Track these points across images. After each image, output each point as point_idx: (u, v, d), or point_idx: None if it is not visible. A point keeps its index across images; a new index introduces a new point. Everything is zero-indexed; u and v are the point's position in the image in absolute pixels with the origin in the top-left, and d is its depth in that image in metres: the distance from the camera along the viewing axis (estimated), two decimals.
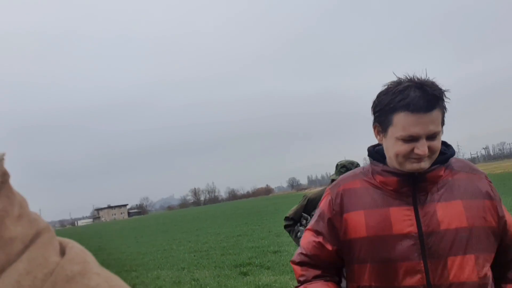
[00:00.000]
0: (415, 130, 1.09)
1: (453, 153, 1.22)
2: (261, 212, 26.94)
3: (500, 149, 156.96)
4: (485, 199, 1.16)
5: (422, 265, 1.11)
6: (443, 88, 1.12)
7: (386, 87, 1.17)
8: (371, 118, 1.25)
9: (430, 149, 1.11)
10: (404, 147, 1.11)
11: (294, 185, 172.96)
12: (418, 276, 1.10)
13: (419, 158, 1.11)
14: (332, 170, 3.23)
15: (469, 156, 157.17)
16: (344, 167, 2.99)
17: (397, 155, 1.13)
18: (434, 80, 1.13)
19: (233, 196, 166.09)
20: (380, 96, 1.17)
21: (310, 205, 3.11)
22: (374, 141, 1.28)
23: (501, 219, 1.17)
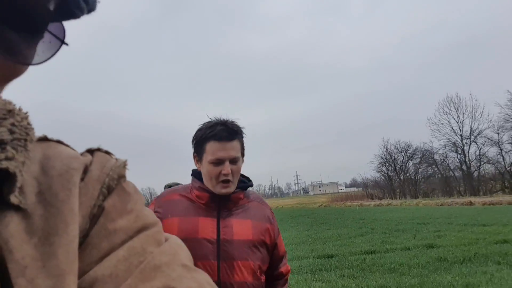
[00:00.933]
0: (221, 154, 1.41)
1: (251, 184, 1.58)
2: None
3: (257, 190, 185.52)
4: (267, 223, 1.51)
5: (216, 264, 1.37)
6: (241, 126, 1.50)
7: (200, 125, 1.50)
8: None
9: (232, 171, 1.43)
10: (214, 170, 1.42)
11: None
12: (212, 274, 1.36)
13: (227, 181, 1.42)
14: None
15: None
16: (170, 187, 3.33)
17: (210, 177, 1.43)
18: (236, 119, 1.51)
19: None
20: (197, 132, 1.49)
21: None
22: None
23: (273, 241, 1.52)
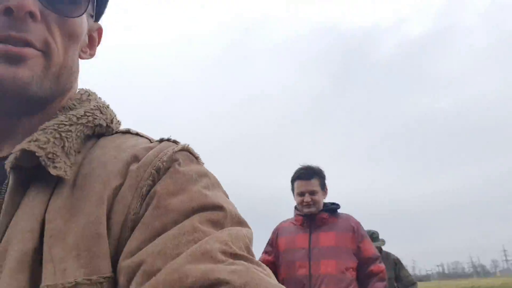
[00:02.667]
0: (300, 189, 2.35)
1: (335, 207, 2.39)
2: None
3: (454, 268, 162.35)
4: (349, 232, 2.26)
5: (308, 263, 2.18)
6: (320, 169, 2.41)
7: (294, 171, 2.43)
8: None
9: (312, 200, 2.30)
10: (299, 199, 2.36)
11: None
12: (305, 270, 2.18)
13: (308, 205, 2.30)
14: None
15: (425, 273, 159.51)
16: None
17: (298, 203, 2.39)
18: (320, 166, 2.42)
19: None
20: (293, 174, 2.45)
21: None
22: None
23: (358, 245, 2.25)
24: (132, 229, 0.42)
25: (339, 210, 2.44)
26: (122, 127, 0.58)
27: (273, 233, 2.48)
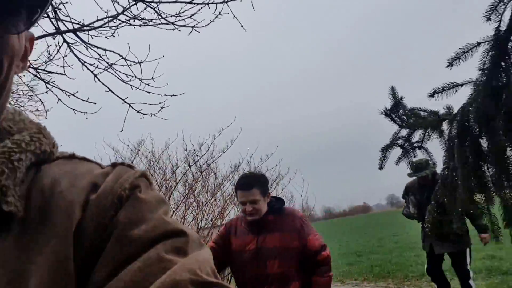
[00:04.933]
0: (242, 199, 2.32)
1: (279, 206, 2.39)
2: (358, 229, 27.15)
3: None
4: (293, 232, 2.28)
5: (255, 263, 2.27)
6: (261, 176, 2.45)
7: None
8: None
9: (254, 208, 2.28)
10: (242, 207, 2.34)
11: (393, 202, 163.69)
12: (253, 270, 2.28)
13: (250, 214, 2.29)
14: None
15: None
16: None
17: (241, 211, 2.37)
18: (261, 172, 3.14)
19: (329, 215, 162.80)
20: (236, 182, 2.45)
21: (407, 189, 4.50)
22: None
23: (303, 243, 2.26)
24: (94, 264, 0.39)
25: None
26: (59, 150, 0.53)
27: (226, 228, 2.53)
